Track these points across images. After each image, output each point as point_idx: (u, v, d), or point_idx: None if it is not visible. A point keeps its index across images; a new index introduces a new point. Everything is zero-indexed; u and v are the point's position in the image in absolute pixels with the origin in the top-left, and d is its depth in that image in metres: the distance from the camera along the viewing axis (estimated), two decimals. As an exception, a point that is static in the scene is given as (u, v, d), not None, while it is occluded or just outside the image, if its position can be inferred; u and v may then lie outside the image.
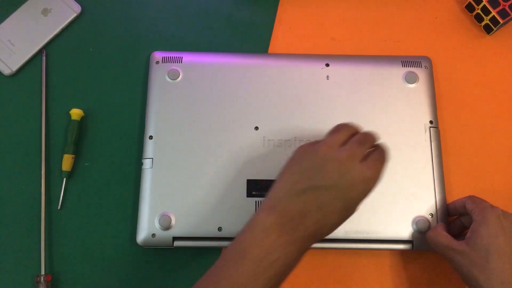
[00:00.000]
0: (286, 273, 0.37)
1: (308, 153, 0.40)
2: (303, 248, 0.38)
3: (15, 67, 0.54)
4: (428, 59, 0.54)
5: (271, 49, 0.57)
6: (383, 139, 0.50)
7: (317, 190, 0.38)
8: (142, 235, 0.48)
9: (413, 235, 0.47)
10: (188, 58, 0.53)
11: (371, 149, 0.42)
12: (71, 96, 0.54)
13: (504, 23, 0.56)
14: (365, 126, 0.50)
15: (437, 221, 0.48)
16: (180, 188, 0.48)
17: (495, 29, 0.56)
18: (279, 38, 0.57)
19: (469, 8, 0.58)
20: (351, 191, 0.38)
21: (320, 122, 0.51)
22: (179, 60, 0.53)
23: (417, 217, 0.48)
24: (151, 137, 0.50)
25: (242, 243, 0.36)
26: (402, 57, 0.54)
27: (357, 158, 0.39)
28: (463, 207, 0.46)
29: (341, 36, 0.58)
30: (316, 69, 0.53)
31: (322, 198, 0.38)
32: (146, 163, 0.49)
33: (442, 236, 0.44)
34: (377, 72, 0.53)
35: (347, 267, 0.49)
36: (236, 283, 0.34)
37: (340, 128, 0.42)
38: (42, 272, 0.48)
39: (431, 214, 0.48)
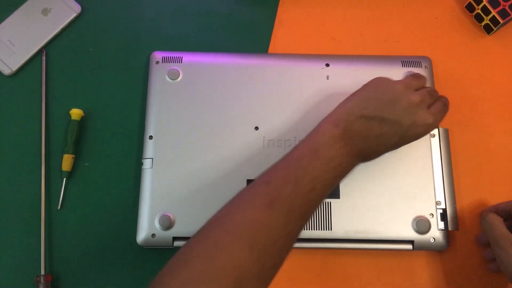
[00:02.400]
0: (341, 179, 0.42)
1: (384, 85, 0.43)
2: (355, 163, 0.42)
3: (15, 67, 0.54)
4: (428, 59, 0.54)
5: (271, 49, 0.57)
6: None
7: (382, 121, 0.41)
8: (142, 235, 0.48)
9: (413, 235, 0.47)
10: (188, 58, 0.53)
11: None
12: (71, 96, 0.54)
13: (504, 23, 0.56)
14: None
15: (437, 221, 0.48)
16: (180, 188, 0.48)
17: (495, 29, 0.56)
18: (279, 38, 0.57)
19: (469, 8, 0.58)
20: (411, 131, 0.42)
21: (320, 122, 0.51)
22: (179, 60, 0.53)
23: (417, 217, 0.48)
24: (151, 137, 0.50)
25: (314, 144, 0.40)
26: (402, 57, 0.54)
27: (426, 104, 0.43)
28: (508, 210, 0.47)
29: (341, 36, 0.58)
30: (316, 69, 0.53)
31: (384, 129, 0.41)
32: (146, 163, 0.49)
33: (501, 223, 0.45)
34: (377, 72, 0.52)
35: (347, 267, 0.49)
36: (311, 175, 0.39)
37: (418, 76, 0.46)
38: (42, 272, 0.48)
39: (431, 214, 0.48)
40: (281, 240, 0.37)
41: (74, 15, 0.57)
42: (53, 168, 0.52)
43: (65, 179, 0.51)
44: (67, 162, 0.51)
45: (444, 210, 0.48)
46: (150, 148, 0.50)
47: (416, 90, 0.44)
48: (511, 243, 0.43)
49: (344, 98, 0.51)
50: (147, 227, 0.47)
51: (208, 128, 0.50)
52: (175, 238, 0.47)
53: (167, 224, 0.47)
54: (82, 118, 0.53)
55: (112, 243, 0.49)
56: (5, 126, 0.53)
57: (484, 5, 0.55)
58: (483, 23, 0.57)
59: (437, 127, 0.44)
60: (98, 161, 0.52)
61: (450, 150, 0.51)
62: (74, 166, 0.52)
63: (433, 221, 0.48)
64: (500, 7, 0.55)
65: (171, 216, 0.47)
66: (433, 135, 0.50)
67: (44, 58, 0.55)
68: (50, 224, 0.50)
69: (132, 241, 0.48)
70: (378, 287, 0.49)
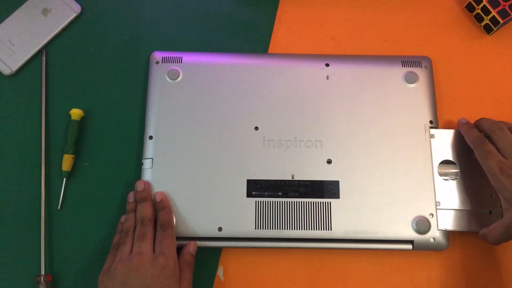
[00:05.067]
0: None
1: (108, 280, 0.43)
2: None
3: (15, 67, 0.54)
4: (428, 59, 0.54)
5: (271, 49, 0.57)
6: (383, 139, 0.50)
7: None
8: (142, 235, 0.47)
9: (413, 235, 0.47)
10: (188, 58, 0.53)
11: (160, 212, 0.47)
12: (71, 96, 0.54)
13: (504, 23, 0.56)
14: (365, 126, 0.51)
15: (437, 221, 0.48)
16: (180, 188, 0.48)
17: (495, 29, 0.56)
18: (279, 38, 0.57)
19: (469, 8, 0.58)
20: (160, 282, 0.42)
21: (320, 122, 0.51)
22: (179, 60, 0.53)
23: (417, 217, 0.48)
24: (151, 137, 0.50)
25: None
26: (402, 57, 0.54)
27: (147, 254, 0.43)
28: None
29: (341, 36, 0.58)
30: (316, 69, 0.53)
31: None
32: (146, 163, 0.49)
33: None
34: (377, 72, 0.53)
35: (347, 267, 0.49)
36: None
37: (123, 236, 0.46)
38: (42, 272, 0.48)
39: (431, 214, 0.48)
40: None
41: (74, 15, 0.57)
42: (53, 168, 0.52)
43: (65, 179, 0.51)
44: (67, 162, 0.51)
45: None
46: (150, 148, 0.50)
47: (132, 246, 0.44)
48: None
49: (344, 98, 0.52)
50: (147, 227, 0.47)
51: (208, 128, 0.50)
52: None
53: (167, 224, 0.47)
54: (82, 118, 0.53)
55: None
56: (5, 126, 0.53)
57: (484, 5, 0.55)
58: (483, 23, 0.57)
59: (174, 255, 0.44)
60: (98, 161, 0.52)
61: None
62: (74, 166, 0.52)
63: (433, 221, 0.48)
64: (500, 7, 0.55)
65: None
66: (433, 136, 0.50)
67: (44, 58, 0.55)
68: (50, 224, 0.50)
69: (132, 241, 0.48)
70: (378, 287, 0.49)
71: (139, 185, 0.48)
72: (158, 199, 0.47)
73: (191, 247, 0.46)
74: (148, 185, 0.48)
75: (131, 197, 0.48)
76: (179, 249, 0.46)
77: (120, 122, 0.54)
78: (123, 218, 0.48)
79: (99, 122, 0.54)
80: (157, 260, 0.43)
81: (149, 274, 0.42)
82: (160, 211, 0.47)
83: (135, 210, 0.47)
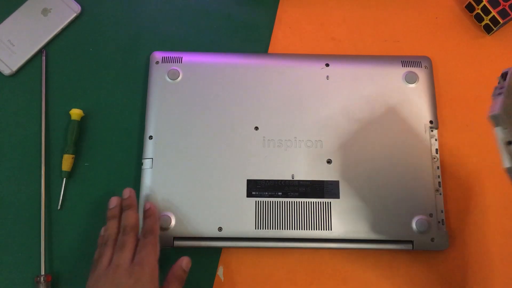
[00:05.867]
0: None
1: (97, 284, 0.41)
2: None
3: (15, 67, 0.55)
4: (428, 59, 0.54)
5: (271, 49, 0.57)
6: (383, 139, 0.50)
7: None
8: (142, 235, 0.47)
9: (413, 235, 0.47)
10: (188, 58, 0.53)
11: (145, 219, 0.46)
12: (71, 96, 0.54)
13: (504, 23, 0.56)
14: (365, 126, 0.51)
15: (436, 221, 0.48)
16: (180, 188, 0.48)
17: (495, 29, 0.56)
18: (279, 38, 0.57)
19: (469, 8, 0.58)
20: None
21: (320, 122, 0.51)
22: (179, 60, 0.53)
23: (417, 217, 0.48)
24: (151, 137, 0.50)
25: None
26: (402, 57, 0.54)
27: (123, 266, 0.41)
28: None
29: (341, 36, 0.58)
30: (316, 69, 0.53)
31: None
32: (146, 163, 0.49)
33: None
34: (377, 72, 0.53)
35: (347, 267, 0.49)
36: None
37: (102, 249, 0.44)
38: (42, 272, 0.48)
39: (431, 214, 0.48)
40: None
41: (74, 15, 0.57)
42: (53, 168, 0.52)
43: (65, 179, 0.51)
44: (67, 162, 0.51)
45: None
46: (150, 148, 0.50)
47: (111, 256, 0.43)
48: None
49: (344, 98, 0.52)
50: (147, 227, 0.47)
51: (208, 128, 0.50)
52: (175, 238, 0.47)
53: (167, 224, 0.47)
54: (82, 118, 0.53)
55: (112, 243, 0.49)
56: (5, 126, 0.53)
57: (484, 5, 0.55)
58: (483, 23, 0.57)
59: (155, 262, 0.43)
60: (98, 161, 0.52)
61: (448, 150, 0.50)
62: (74, 166, 0.52)
63: (433, 221, 0.48)
64: (500, 7, 0.55)
65: (171, 216, 0.48)
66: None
67: (44, 58, 0.55)
68: (50, 224, 0.50)
69: (132, 241, 0.48)
70: (378, 287, 0.49)
71: (125, 193, 0.47)
72: (146, 207, 0.47)
73: (184, 262, 0.45)
74: (133, 192, 0.47)
75: (112, 202, 0.47)
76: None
77: (120, 122, 0.54)
78: (103, 230, 0.47)
79: (99, 122, 0.54)
80: (132, 270, 0.41)
81: (124, 286, 0.40)
82: (145, 219, 0.46)
83: (116, 217, 0.46)
